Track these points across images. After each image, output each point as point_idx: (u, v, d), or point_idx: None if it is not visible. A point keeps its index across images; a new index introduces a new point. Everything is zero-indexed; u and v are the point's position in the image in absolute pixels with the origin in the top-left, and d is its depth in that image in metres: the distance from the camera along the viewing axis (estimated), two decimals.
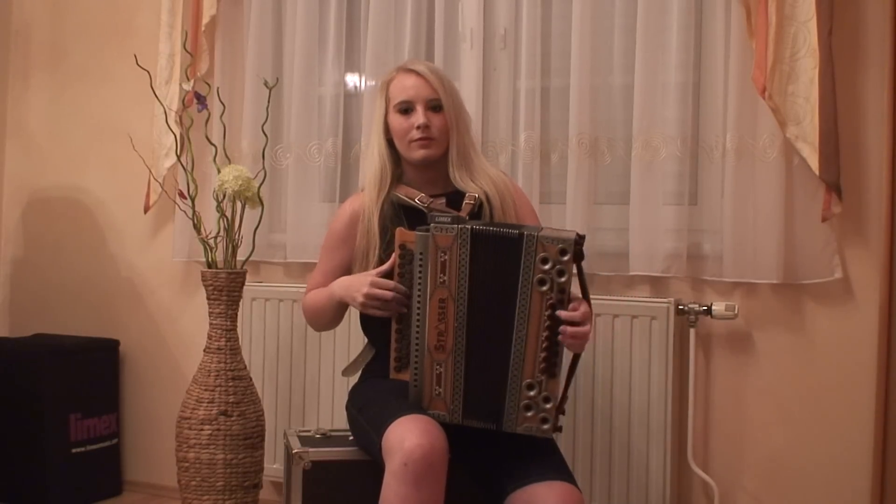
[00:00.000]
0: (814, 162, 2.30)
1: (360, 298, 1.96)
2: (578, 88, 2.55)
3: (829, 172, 2.31)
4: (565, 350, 1.86)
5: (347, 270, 2.15)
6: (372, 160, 2.15)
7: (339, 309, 2.13)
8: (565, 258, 1.81)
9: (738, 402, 2.49)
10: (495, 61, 2.70)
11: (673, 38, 2.49)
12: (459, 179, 2.09)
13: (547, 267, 1.81)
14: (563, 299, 1.82)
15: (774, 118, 2.34)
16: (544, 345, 1.82)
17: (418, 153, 2.07)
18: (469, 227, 1.85)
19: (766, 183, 2.39)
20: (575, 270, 1.84)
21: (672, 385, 2.44)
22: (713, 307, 2.44)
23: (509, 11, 2.67)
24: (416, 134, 2.06)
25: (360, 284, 1.97)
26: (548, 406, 1.83)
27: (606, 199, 2.63)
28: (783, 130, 2.34)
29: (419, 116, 2.06)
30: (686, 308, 2.47)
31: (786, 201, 2.38)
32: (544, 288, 1.81)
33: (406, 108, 2.08)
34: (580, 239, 1.82)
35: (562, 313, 1.81)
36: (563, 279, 1.82)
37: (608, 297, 2.50)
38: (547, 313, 1.82)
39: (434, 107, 2.07)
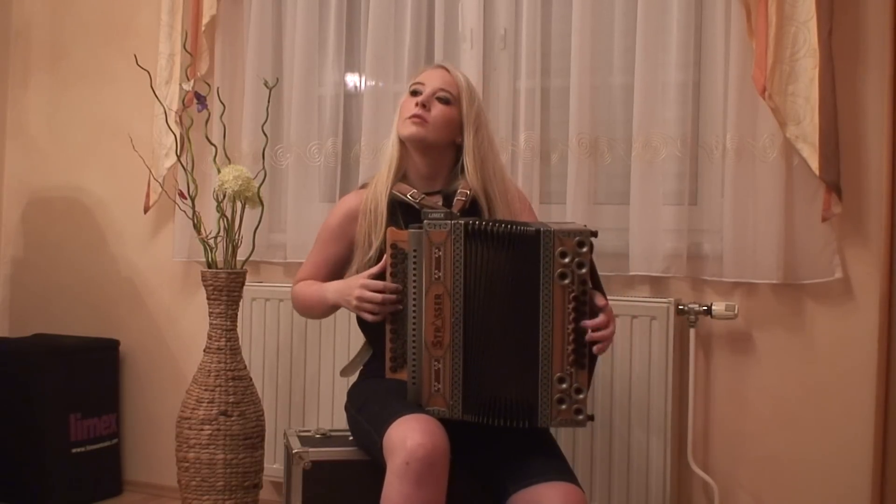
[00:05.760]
0: (814, 162, 2.30)
1: (354, 302, 1.97)
2: (578, 88, 2.55)
3: (829, 172, 2.31)
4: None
5: (336, 266, 2.16)
6: (387, 148, 2.17)
7: (330, 310, 2.17)
8: (584, 250, 1.83)
9: (738, 402, 2.49)
10: (495, 61, 2.70)
11: (673, 37, 2.49)
12: (470, 174, 2.09)
13: (566, 260, 1.82)
14: (585, 290, 1.83)
15: (774, 118, 2.34)
16: (571, 337, 1.83)
17: (409, 129, 2.07)
18: (462, 222, 1.85)
19: (766, 183, 2.39)
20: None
21: (672, 385, 2.44)
22: (713, 307, 2.44)
23: (509, 11, 2.67)
24: (412, 110, 2.07)
25: (352, 288, 1.98)
26: (580, 397, 1.84)
27: (606, 199, 2.63)
28: (783, 130, 2.34)
29: (421, 97, 2.08)
30: (686, 308, 2.47)
31: (786, 201, 2.38)
32: (566, 281, 1.82)
33: (416, 91, 2.11)
34: (594, 232, 1.84)
35: (587, 323, 1.83)
36: (583, 271, 1.83)
37: (608, 297, 2.50)
38: (571, 306, 1.83)
39: (442, 98, 2.08)
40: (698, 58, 2.51)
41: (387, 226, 2.01)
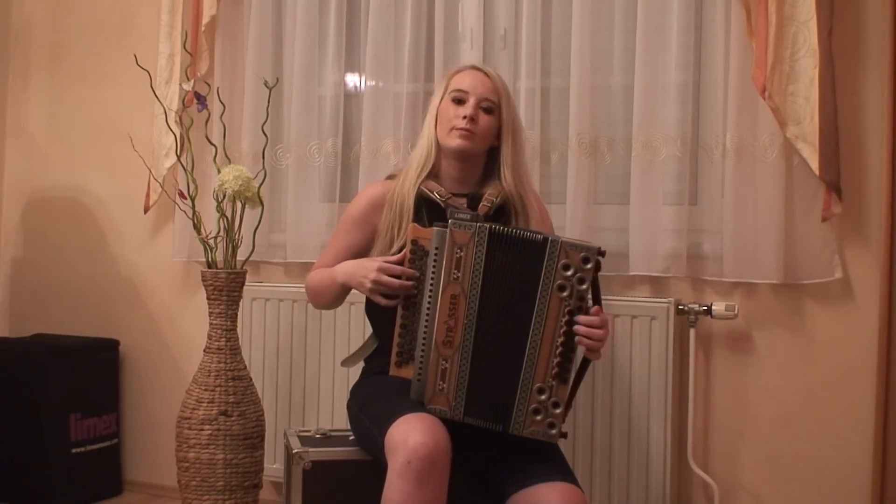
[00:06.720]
0: (814, 162, 2.30)
1: (368, 284, 1.95)
2: (578, 88, 2.55)
3: (829, 172, 2.31)
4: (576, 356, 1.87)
5: (357, 254, 2.14)
6: (421, 144, 2.17)
7: (339, 293, 2.13)
8: (587, 266, 1.83)
9: (738, 402, 2.50)
10: (495, 61, 2.70)
11: (673, 38, 2.49)
12: (507, 180, 2.10)
13: (568, 273, 1.83)
14: (582, 306, 1.85)
15: (774, 118, 2.34)
16: (559, 350, 1.84)
17: (455, 141, 2.08)
18: (487, 226, 1.86)
19: (766, 183, 2.39)
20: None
21: (672, 385, 2.44)
22: (713, 307, 2.44)
23: (509, 11, 2.67)
24: (460, 122, 2.07)
25: (368, 270, 1.96)
26: (556, 411, 1.85)
27: (606, 199, 2.63)
28: (783, 130, 2.34)
29: (469, 108, 2.08)
30: (686, 308, 2.47)
31: (786, 201, 2.38)
32: (564, 294, 1.83)
33: (460, 99, 2.10)
34: (602, 251, 1.85)
35: (581, 318, 1.84)
36: (583, 286, 1.84)
37: (608, 297, 2.49)
38: (564, 319, 1.84)
39: (486, 108, 2.09)
40: (698, 58, 2.51)
41: (416, 216, 2.02)
